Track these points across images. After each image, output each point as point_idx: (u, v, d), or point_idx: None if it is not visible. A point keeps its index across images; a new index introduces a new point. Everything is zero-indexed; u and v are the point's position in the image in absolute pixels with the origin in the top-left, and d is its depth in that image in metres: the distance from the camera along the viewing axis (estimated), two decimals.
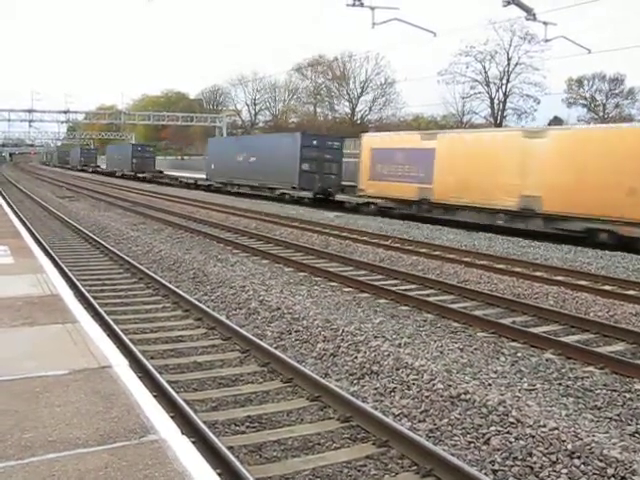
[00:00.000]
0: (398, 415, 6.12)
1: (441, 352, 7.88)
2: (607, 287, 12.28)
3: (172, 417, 4.91)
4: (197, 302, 9.94)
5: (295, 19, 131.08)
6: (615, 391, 6.86)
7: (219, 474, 4.14)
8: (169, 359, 7.67)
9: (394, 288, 11.80)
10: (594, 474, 4.83)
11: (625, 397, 6.68)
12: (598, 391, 6.85)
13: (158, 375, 6.54)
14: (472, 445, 5.48)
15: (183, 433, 3.80)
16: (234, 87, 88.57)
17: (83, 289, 10.43)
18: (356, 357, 7.59)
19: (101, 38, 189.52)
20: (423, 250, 16.42)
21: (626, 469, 4.78)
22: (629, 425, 6.00)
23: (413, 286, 12.35)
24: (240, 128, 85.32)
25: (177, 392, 6.23)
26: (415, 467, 5.02)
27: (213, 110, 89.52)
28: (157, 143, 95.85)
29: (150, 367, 6.73)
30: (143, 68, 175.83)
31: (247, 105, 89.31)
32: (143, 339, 8.38)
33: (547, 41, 24.04)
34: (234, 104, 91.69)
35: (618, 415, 6.22)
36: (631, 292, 11.90)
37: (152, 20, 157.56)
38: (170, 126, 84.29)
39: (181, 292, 10.59)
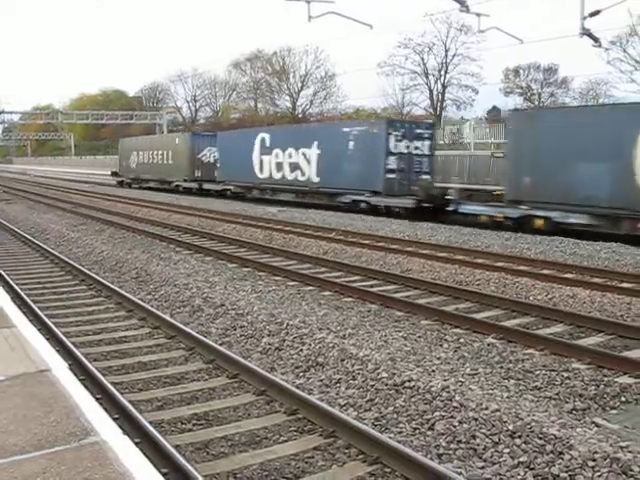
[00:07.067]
0: (344, 405, 6.17)
1: (385, 341, 7.95)
2: (545, 271, 12.57)
3: (117, 419, 4.87)
4: (140, 302, 9.81)
5: (232, 14, 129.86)
6: (554, 371, 7.04)
7: (166, 473, 4.13)
8: (113, 360, 7.56)
9: (338, 280, 11.87)
10: (534, 452, 4.96)
11: (563, 376, 6.86)
12: (538, 372, 7.02)
13: (101, 377, 6.43)
14: (417, 431, 5.56)
15: (124, 433, 3.76)
16: (173, 84, 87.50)
17: (22, 293, 10.18)
18: (301, 350, 7.61)
19: (36, 36, 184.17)
20: (366, 241, 16.53)
21: (564, 444, 4.92)
22: (567, 403, 6.19)
23: (357, 277, 12.43)
24: (181, 125, 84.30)
25: (122, 393, 6.14)
26: (362, 456, 5.06)
27: (153, 107, 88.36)
28: (97, 143, 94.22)
29: (93, 369, 6.63)
30: (80, 67, 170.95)
31: (187, 102, 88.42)
32: (86, 341, 8.23)
33: (481, 32, 24.61)
34: (174, 101, 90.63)
35: (557, 394, 6.40)
36: (568, 275, 12.22)
37: (87, 18, 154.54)
38: (110, 125, 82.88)
39: (124, 292, 10.43)
